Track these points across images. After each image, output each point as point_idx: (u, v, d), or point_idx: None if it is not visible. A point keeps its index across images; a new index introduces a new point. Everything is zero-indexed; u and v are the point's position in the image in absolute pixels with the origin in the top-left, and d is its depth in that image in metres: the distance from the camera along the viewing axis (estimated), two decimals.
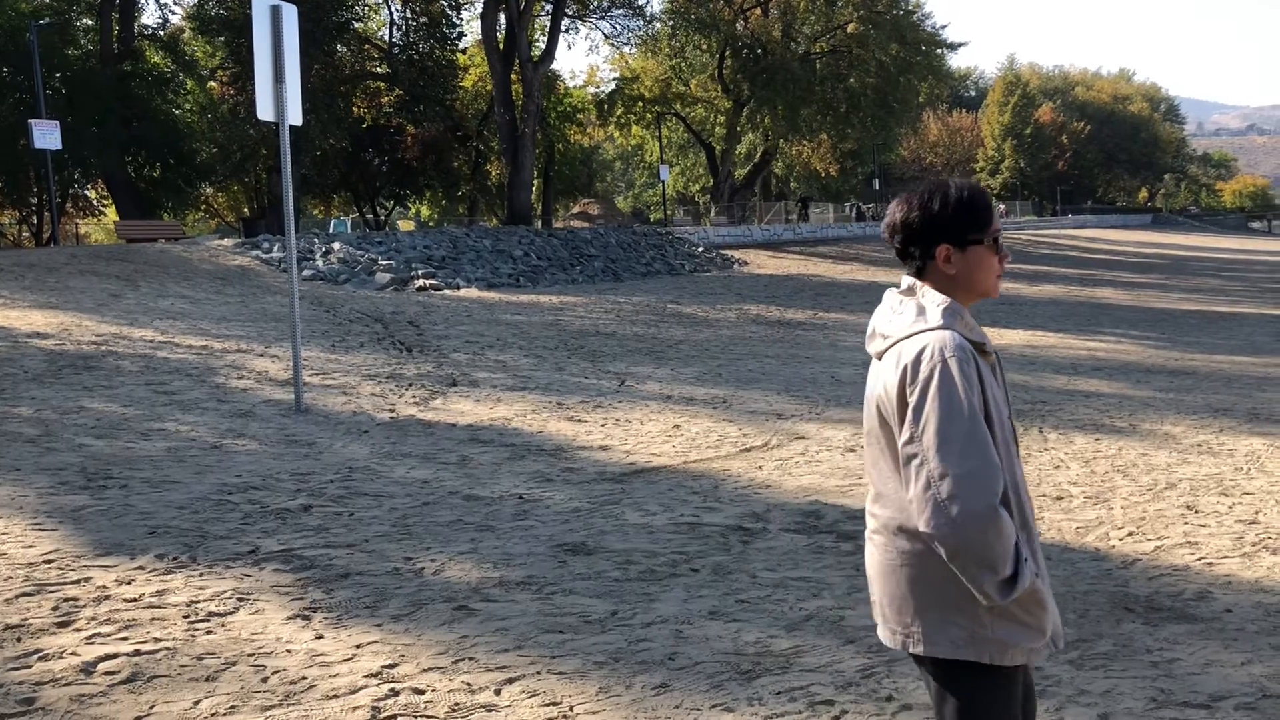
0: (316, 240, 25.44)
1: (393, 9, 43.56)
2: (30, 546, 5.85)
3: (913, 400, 2.21)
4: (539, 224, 39.13)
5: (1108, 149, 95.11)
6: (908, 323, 2.32)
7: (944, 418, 2.16)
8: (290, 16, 10.60)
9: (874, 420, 2.36)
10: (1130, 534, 6.35)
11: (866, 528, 2.45)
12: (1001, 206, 76.19)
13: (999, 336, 17.98)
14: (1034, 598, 2.26)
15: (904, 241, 2.39)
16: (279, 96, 10.53)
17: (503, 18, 36.36)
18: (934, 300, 2.32)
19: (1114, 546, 6.12)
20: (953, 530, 2.14)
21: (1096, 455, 8.68)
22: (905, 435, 2.22)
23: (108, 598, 5.08)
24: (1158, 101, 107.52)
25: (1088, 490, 7.47)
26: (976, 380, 2.21)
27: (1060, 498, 7.29)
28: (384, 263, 23.19)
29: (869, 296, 25.82)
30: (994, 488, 2.15)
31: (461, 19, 44.61)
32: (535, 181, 41.54)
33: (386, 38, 44.46)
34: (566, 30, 41.08)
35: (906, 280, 2.41)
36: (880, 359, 2.37)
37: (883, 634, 2.42)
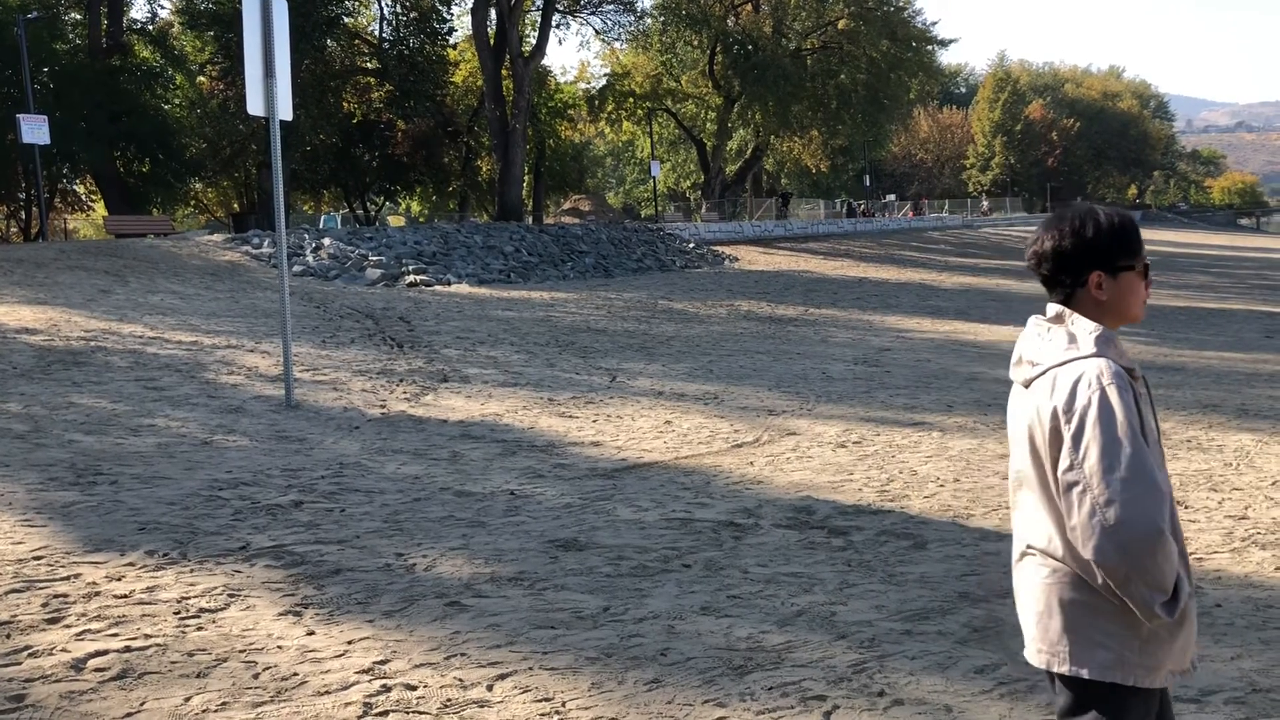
0: (307, 236, 25.37)
1: (383, 4, 43.47)
2: (20, 543, 5.83)
3: (1071, 428, 2.22)
4: (530, 220, 39.09)
5: (1097, 146, 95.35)
6: (1059, 350, 2.33)
7: (1106, 444, 2.18)
8: (280, 10, 10.56)
9: (1024, 447, 2.37)
10: None
11: (1014, 551, 2.48)
12: (986, 203, 76.41)
13: (990, 333, 18.04)
14: (1183, 617, 2.28)
15: (1054, 269, 2.40)
16: (269, 91, 10.50)
17: (493, 13, 36.28)
18: (1085, 328, 2.34)
19: None
20: (1122, 557, 2.16)
21: None
22: (1065, 463, 2.23)
23: (98, 594, 5.07)
24: (1147, 98, 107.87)
25: None
26: (1134, 406, 2.24)
27: None
28: (374, 259, 23.14)
29: (860, 293, 25.86)
30: (1161, 511, 2.17)
31: (452, 14, 44.55)
32: (526, 177, 41.47)
33: (377, 33, 44.35)
34: (557, 26, 41.00)
35: (1053, 308, 2.41)
36: (1028, 386, 2.38)
37: (1030, 654, 2.43)
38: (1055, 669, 2.35)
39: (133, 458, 7.94)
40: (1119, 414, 2.19)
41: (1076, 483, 2.21)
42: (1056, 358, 2.32)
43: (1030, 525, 2.40)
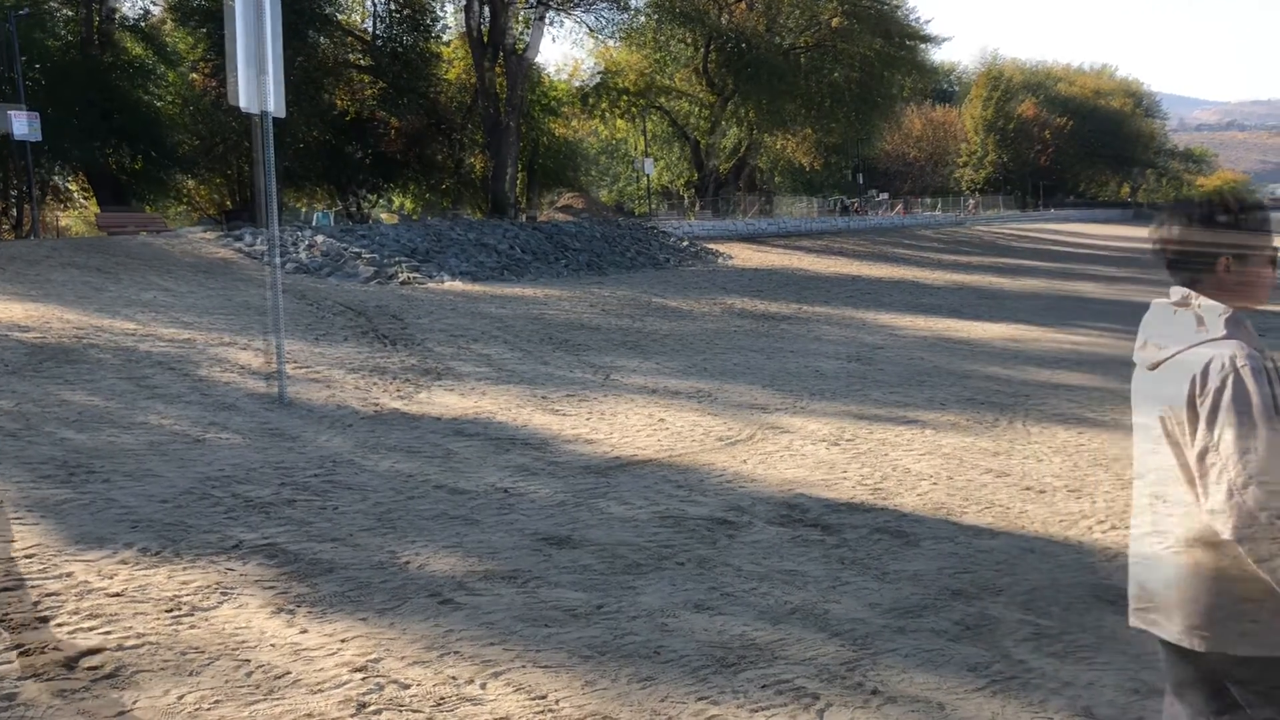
0: (299, 233, 25.32)
1: (375, 0, 43.35)
2: (11, 541, 5.81)
3: (1205, 410, 2.24)
4: (522, 217, 39.04)
5: (1089, 144, 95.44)
6: (1189, 333, 2.35)
7: (1241, 426, 2.19)
8: (274, 6, 10.53)
9: (1157, 429, 2.37)
10: (1112, 527, 6.40)
11: (1143, 535, 2.44)
12: (973, 201, 76.51)
13: (982, 330, 18.06)
14: None
15: (1182, 254, 2.42)
16: (262, 88, 10.47)
17: (486, 10, 36.23)
18: (1214, 310, 2.35)
19: (1096, 539, 6.16)
20: (1262, 536, 2.17)
21: (1078, 448, 8.73)
22: (1200, 445, 2.25)
23: (90, 592, 5.05)
24: (1139, 97, 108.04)
25: (1070, 483, 7.52)
26: (1269, 388, 2.24)
27: (1043, 491, 7.33)
28: (366, 255, 23.10)
29: (851, 290, 25.88)
30: None
31: (446, 11, 44.47)
32: (520, 175, 41.44)
33: (370, 29, 44.23)
34: (551, 23, 40.96)
35: (1178, 291, 2.43)
36: (1154, 369, 2.39)
37: (1188, 640, 2.38)
38: (1229, 652, 2.30)
39: (124, 455, 7.92)
40: (1254, 396, 2.20)
41: (1213, 464, 2.22)
42: (1186, 340, 2.33)
43: (1170, 509, 2.37)
